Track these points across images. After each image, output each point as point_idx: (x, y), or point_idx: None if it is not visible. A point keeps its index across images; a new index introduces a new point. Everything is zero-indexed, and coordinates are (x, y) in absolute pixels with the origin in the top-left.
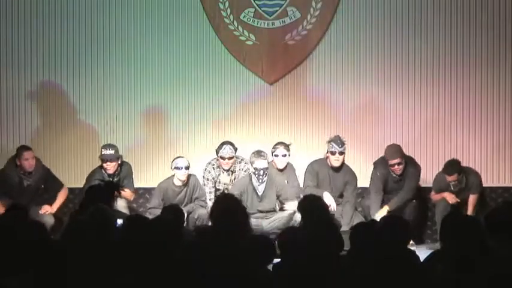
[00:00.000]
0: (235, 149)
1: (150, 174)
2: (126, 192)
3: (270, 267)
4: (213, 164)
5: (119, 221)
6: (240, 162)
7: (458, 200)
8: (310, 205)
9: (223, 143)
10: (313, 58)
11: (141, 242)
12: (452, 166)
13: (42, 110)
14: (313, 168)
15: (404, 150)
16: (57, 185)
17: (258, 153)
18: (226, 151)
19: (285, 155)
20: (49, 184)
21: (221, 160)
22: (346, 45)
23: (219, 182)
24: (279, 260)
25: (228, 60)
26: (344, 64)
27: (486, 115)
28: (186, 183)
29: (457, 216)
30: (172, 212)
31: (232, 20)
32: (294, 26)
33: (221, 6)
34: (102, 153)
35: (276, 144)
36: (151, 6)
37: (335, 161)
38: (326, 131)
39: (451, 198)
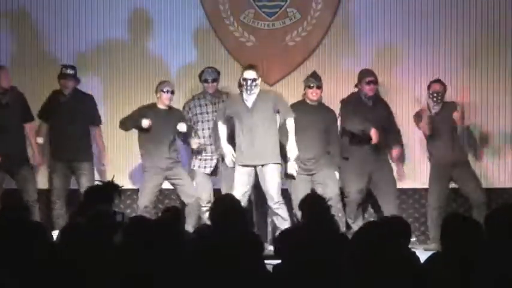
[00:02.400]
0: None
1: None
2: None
3: (269, 267)
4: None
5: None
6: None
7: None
8: (311, 205)
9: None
10: (313, 59)
11: (141, 242)
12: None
13: None
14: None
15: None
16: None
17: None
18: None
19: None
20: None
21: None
22: (347, 46)
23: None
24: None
25: (229, 62)
26: (344, 66)
27: (486, 115)
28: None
29: (457, 217)
30: (172, 213)
31: (232, 21)
32: (294, 27)
33: (221, 7)
34: None
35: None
36: (151, 7)
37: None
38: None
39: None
